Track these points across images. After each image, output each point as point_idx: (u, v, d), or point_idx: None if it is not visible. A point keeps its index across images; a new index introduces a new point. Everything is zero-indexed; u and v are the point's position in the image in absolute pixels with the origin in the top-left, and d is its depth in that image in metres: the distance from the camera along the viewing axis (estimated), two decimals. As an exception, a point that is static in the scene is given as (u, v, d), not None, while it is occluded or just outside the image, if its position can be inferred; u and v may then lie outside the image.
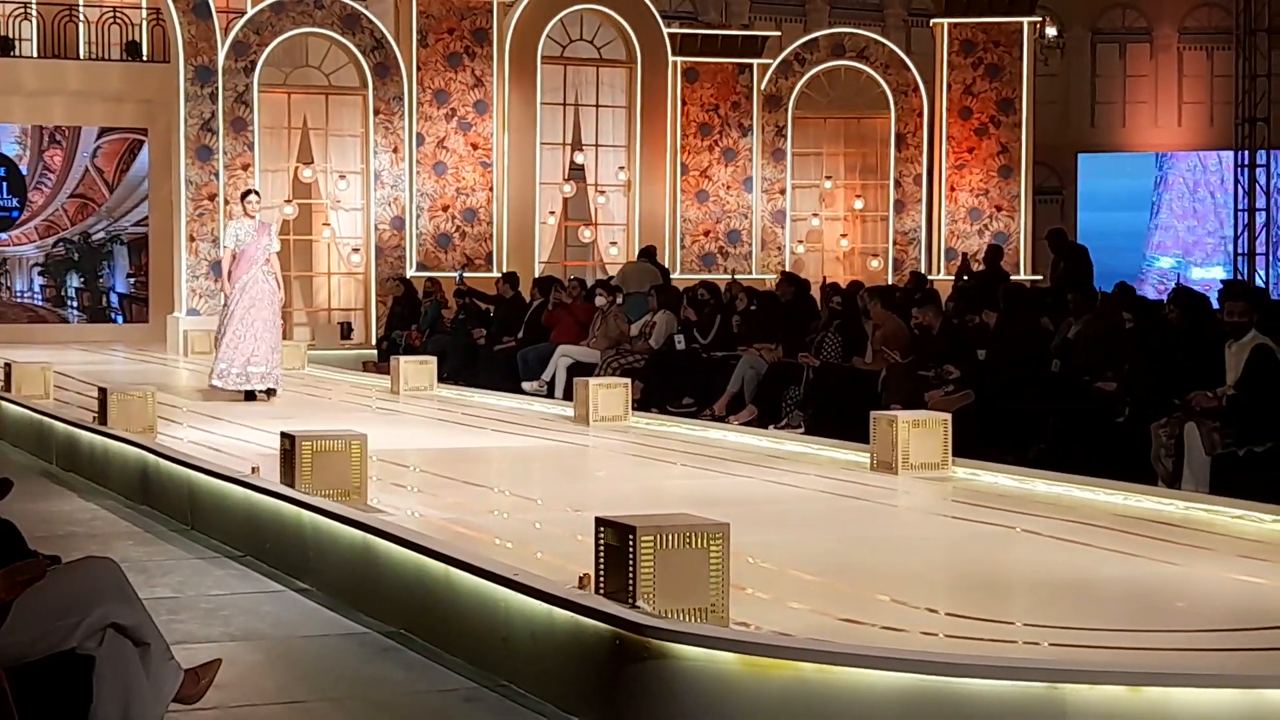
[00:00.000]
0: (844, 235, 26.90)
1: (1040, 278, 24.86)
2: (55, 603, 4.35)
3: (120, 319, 26.39)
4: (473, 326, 20.91)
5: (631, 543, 6.01)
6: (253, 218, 15.75)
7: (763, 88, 26.19)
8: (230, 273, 15.79)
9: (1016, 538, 8.62)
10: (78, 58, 25.42)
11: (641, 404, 15.82)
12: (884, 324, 15.47)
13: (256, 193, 16.40)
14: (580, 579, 6.33)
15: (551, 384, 18.32)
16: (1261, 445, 10.61)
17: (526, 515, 9.53)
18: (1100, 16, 31.49)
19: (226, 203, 23.27)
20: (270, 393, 15.88)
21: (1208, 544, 8.29)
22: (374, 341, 23.67)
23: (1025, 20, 26.21)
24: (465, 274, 23.13)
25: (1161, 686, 5.18)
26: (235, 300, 15.73)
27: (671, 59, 25.72)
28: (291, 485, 9.12)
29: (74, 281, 26.24)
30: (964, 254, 24.61)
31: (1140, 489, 9.82)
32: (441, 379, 17.67)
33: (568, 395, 16.31)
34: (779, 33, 27.40)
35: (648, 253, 23.51)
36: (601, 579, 6.20)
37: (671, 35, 25.76)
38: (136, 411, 12.53)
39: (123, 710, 4.30)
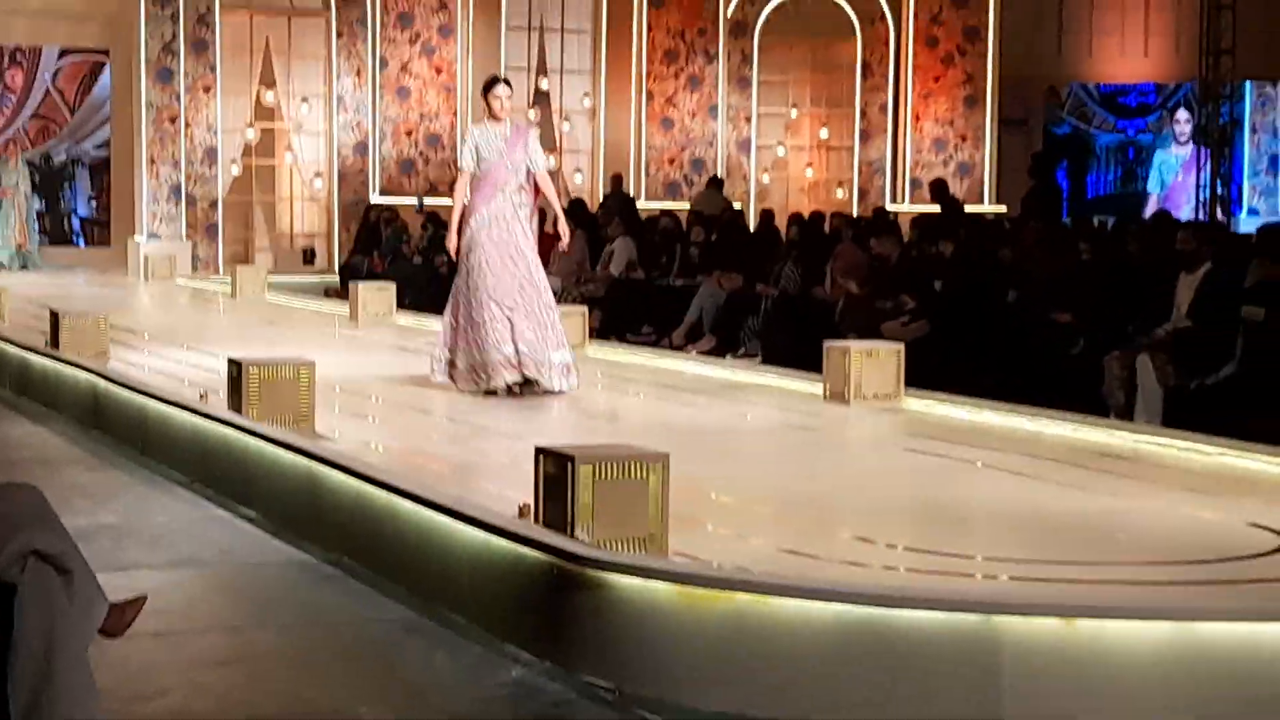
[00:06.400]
0: (809, 165, 26.81)
1: (1004, 208, 24.82)
2: (-26, 530, 4.31)
3: (82, 242, 26.20)
4: (438, 254, 20.76)
5: (570, 472, 6.00)
6: (501, 120, 10.86)
7: (729, 14, 26.02)
8: (464, 211, 10.89)
9: (963, 469, 8.62)
10: (39, -23, 25.16)
11: (600, 332, 15.80)
12: (843, 254, 15.44)
13: (507, 82, 11.01)
14: (520, 508, 6.32)
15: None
16: (1212, 377, 10.64)
17: (472, 444, 9.51)
18: (1069, -54, 31.30)
19: (188, 125, 23.09)
20: (530, 384, 10.87)
21: (1155, 477, 8.31)
22: (336, 267, 23.55)
23: (993, -52, 26.07)
24: (425, 201, 22.98)
25: (1095, 619, 5.21)
26: (472, 252, 10.76)
27: (637, -16, 25.53)
28: (239, 412, 9.08)
29: (35, 204, 26.00)
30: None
31: (1091, 420, 9.83)
32: (403, 306, 17.56)
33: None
34: (746, -42, 27.18)
35: (716, 183, 23.41)
36: (541, 509, 6.19)
37: (638, -40, 25.56)
38: (88, 336, 12.44)
39: (47, 638, 4.26)
